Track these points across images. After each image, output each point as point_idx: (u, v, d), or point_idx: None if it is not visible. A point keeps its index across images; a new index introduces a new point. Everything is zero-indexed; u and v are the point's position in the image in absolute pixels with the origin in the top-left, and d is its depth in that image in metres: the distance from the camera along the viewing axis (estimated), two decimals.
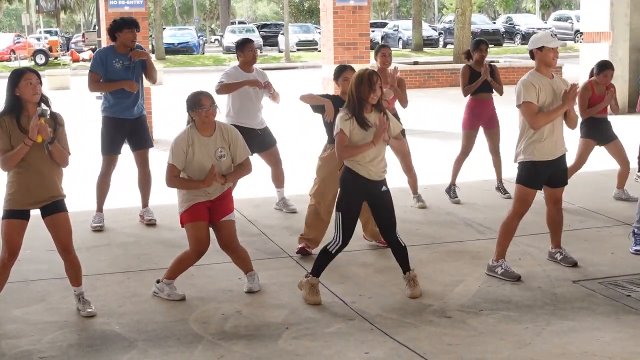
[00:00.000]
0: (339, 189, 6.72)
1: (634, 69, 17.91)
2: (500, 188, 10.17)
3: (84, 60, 43.62)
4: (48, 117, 5.99)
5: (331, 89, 16.74)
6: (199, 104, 6.59)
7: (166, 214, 9.35)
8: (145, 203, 9.32)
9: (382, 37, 51.34)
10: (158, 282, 6.82)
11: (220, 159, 6.64)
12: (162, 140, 14.87)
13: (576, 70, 20.51)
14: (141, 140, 9.16)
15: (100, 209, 9.10)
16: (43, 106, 6.01)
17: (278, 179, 9.63)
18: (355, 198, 6.53)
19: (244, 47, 9.21)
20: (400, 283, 6.79)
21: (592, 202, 9.65)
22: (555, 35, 7.07)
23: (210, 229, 6.79)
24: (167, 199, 9.91)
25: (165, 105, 19.61)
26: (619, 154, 9.67)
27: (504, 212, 9.22)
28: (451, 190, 10.08)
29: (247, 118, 9.15)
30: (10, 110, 6.05)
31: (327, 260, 6.61)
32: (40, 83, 6.11)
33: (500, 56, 33.72)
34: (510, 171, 10.33)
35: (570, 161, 9.38)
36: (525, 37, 49.43)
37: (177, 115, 17.43)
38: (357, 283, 6.97)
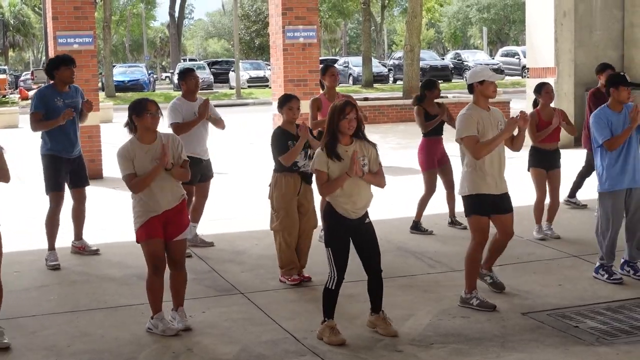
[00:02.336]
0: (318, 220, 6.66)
1: (579, 104, 18.22)
2: (455, 222, 10.34)
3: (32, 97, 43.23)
4: None
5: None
6: (145, 108, 6.60)
7: (116, 253, 9.30)
8: (79, 235, 9.37)
9: None
10: (152, 318, 6.76)
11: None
12: (112, 177, 14.80)
13: (523, 105, 20.82)
14: (80, 179, 9.22)
15: (52, 247, 9.01)
16: None
17: (198, 211, 9.59)
18: (340, 231, 6.46)
19: (185, 76, 9.31)
20: (352, 318, 6.81)
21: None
22: (502, 70, 7.30)
23: None
24: (119, 237, 9.87)
25: (116, 142, 19.53)
26: (554, 186, 9.78)
27: (455, 245, 9.34)
28: (418, 226, 10.20)
29: (197, 147, 9.18)
30: None
31: (332, 298, 6.48)
32: None
33: (449, 92, 34.08)
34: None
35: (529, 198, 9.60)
36: None
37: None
38: (308, 319, 6.97)
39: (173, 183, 6.72)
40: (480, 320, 6.83)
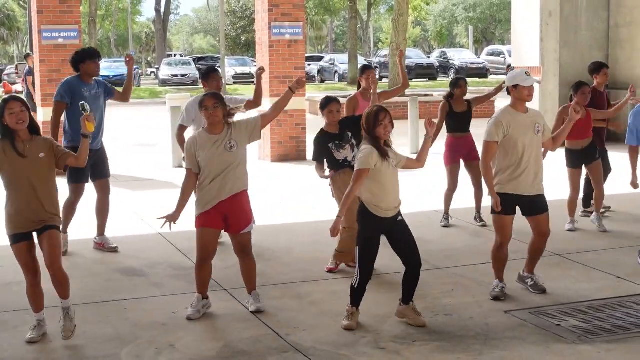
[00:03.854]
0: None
1: (563, 103, 18.21)
2: (477, 217, 10.42)
3: (17, 92, 43.07)
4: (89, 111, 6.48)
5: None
6: (202, 104, 6.88)
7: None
8: (102, 230, 9.39)
9: (319, 71, 51.76)
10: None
11: (231, 149, 6.84)
12: None
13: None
14: (102, 170, 9.30)
15: (64, 230, 9.08)
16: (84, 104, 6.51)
17: None
18: (372, 233, 6.59)
19: (208, 77, 9.29)
20: (335, 315, 6.83)
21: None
22: (529, 74, 7.24)
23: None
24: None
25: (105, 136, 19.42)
26: (595, 178, 9.99)
27: (439, 244, 9.37)
28: (444, 218, 10.40)
29: None
30: (3, 137, 6.29)
31: (358, 293, 6.70)
32: (26, 110, 6.25)
33: (434, 90, 34.19)
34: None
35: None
36: (459, 71, 50.23)
37: (113, 146, 17.19)
38: (291, 315, 6.98)
39: (230, 176, 6.86)
40: (463, 318, 6.85)
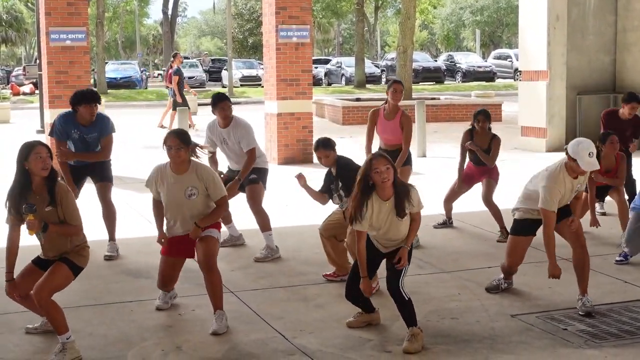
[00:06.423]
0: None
1: (570, 107, 18.30)
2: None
3: (24, 93, 43.19)
4: (34, 211, 5.96)
5: (274, 123, 16.84)
6: (166, 143, 6.83)
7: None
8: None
9: (326, 74, 51.77)
10: None
11: (189, 198, 6.80)
12: None
13: (514, 108, 20.81)
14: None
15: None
16: (28, 204, 5.99)
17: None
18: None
19: (215, 106, 9.41)
20: (341, 318, 6.83)
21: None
22: (593, 153, 6.92)
23: None
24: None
25: None
26: (616, 199, 9.90)
27: (444, 247, 9.36)
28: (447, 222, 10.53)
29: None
30: (19, 183, 6.11)
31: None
32: (51, 157, 6.11)
33: (441, 93, 34.13)
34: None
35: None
36: (466, 75, 50.26)
37: (122, 148, 17.22)
38: (297, 318, 6.98)
39: (188, 220, 6.93)
40: (469, 322, 6.84)
